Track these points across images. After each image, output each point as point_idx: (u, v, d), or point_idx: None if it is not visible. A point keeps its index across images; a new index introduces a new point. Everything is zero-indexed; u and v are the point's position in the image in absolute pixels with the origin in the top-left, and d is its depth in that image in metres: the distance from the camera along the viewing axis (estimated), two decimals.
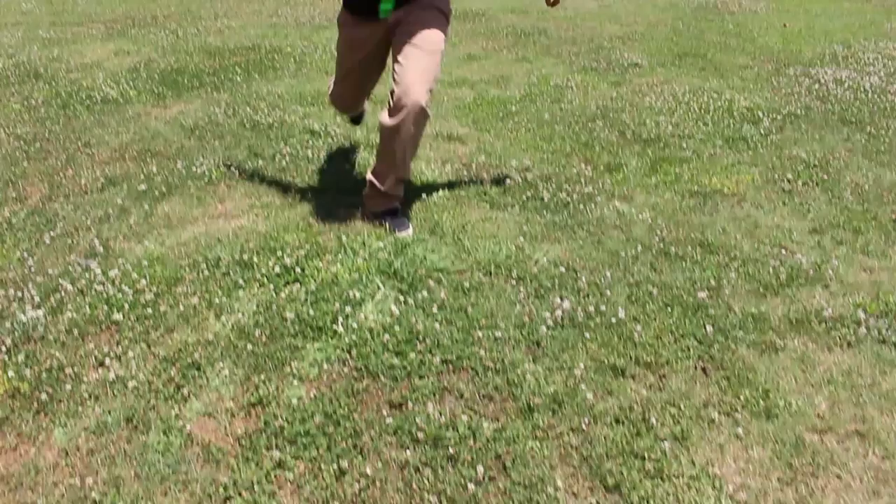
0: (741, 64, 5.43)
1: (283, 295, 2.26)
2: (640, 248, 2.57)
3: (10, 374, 1.90)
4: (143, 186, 3.12)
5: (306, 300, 2.21)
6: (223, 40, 6.08)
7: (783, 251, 2.58)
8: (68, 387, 1.86)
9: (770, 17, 7.68)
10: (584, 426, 1.71)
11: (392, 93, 2.52)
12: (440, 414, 1.74)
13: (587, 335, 2.05)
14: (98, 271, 2.38)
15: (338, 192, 3.03)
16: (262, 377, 1.88)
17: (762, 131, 3.91)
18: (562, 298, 2.22)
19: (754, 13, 7.86)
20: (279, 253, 2.48)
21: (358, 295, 2.22)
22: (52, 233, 2.72)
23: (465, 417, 1.73)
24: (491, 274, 2.37)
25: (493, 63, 5.32)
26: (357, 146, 3.56)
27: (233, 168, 3.29)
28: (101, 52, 5.75)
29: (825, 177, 3.27)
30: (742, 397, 1.82)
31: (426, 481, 1.55)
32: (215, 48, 5.76)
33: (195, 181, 3.16)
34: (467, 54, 5.63)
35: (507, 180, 3.11)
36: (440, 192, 2.99)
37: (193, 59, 5.38)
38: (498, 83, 4.75)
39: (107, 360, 1.95)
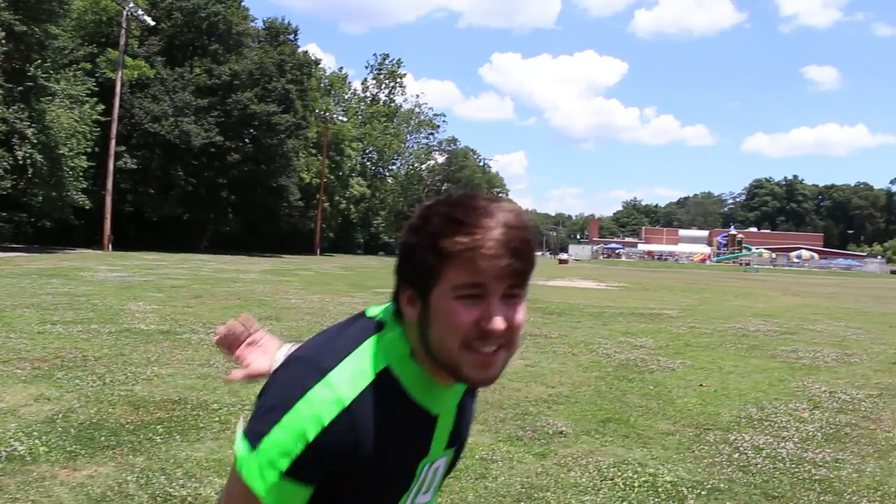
0: (663, 430, 5.58)
1: None
2: None
3: None
4: None
5: None
6: (150, 390, 6.02)
7: None
8: None
9: (686, 374, 8.10)
10: None
11: None
12: None
13: None
14: None
15: None
16: None
17: None
18: None
19: (672, 371, 8.28)
20: None
21: None
22: None
23: None
24: None
25: None
26: None
27: None
28: (21, 396, 5.61)
29: None
30: None
31: None
32: (140, 399, 5.68)
33: None
34: None
35: None
36: None
37: (115, 412, 5.27)
38: None
39: None
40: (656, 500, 4.06)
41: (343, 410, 1.11)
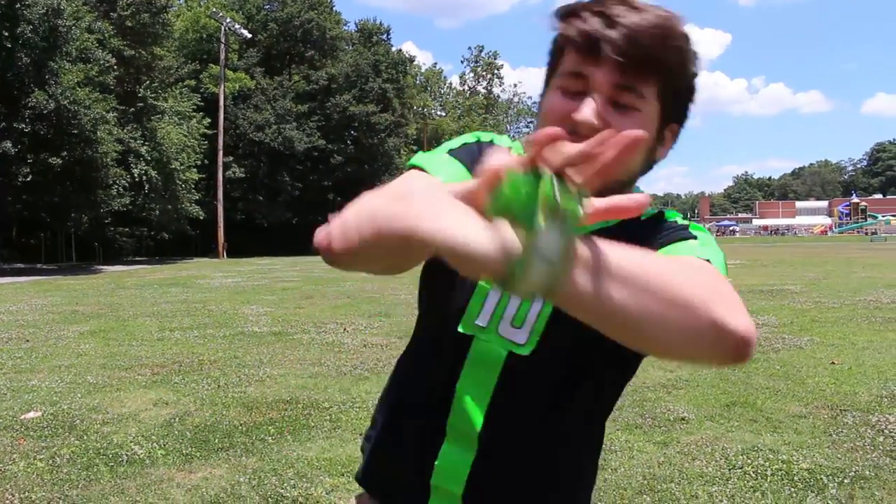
0: (794, 413, 5.19)
1: None
2: None
3: None
4: None
5: None
6: (262, 391, 6.08)
7: None
8: None
9: (816, 351, 7.56)
10: None
11: None
12: None
13: None
14: None
15: None
16: None
17: (830, 503, 3.57)
18: None
19: (799, 349, 7.76)
20: None
21: None
22: None
23: None
24: None
25: None
26: None
27: None
28: (141, 401, 5.77)
29: None
30: None
31: None
32: (253, 400, 5.73)
33: None
34: None
35: None
36: None
37: (229, 414, 5.33)
38: None
39: None
40: (792, 489, 3.74)
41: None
